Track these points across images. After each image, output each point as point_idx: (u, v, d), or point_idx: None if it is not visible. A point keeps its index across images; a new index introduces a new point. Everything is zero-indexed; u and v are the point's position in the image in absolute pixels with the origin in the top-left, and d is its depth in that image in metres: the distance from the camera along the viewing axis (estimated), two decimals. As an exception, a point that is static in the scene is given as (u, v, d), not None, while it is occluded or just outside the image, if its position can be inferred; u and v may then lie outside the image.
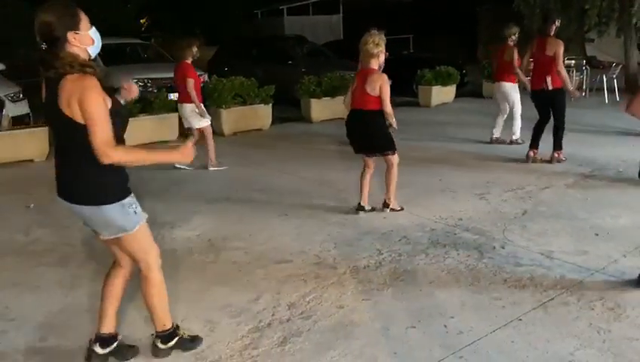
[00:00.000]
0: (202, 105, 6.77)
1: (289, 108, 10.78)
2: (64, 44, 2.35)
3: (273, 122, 9.85)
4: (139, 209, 2.62)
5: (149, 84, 10.05)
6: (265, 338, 3.10)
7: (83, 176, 2.46)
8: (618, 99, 11.58)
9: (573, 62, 12.72)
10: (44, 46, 2.35)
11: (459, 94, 12.77)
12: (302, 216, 5.11)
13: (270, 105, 9.69)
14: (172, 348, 2.92)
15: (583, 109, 10.34)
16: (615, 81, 12.33)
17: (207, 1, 22.57)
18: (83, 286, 3.73)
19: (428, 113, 11.33)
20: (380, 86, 4.70)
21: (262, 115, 9.66)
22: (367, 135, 4.92)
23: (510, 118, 7.99)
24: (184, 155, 2.60)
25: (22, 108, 8.18)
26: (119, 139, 2.49)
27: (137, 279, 2.81)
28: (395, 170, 5.01)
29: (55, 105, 2.35)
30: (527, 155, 6.89)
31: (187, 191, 5.99)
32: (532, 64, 6.88)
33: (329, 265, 4.07)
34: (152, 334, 2.96)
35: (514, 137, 7.92)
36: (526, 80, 7.36)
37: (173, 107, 8.05)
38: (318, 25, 23.18)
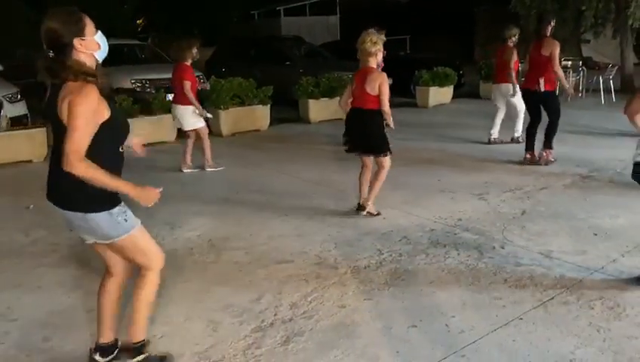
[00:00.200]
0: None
1: (287, 109, 10.80)
2: (71, 50, 2.35)
3: (271, 123, 9.87)
4: (130, 216, 2.56)
5: (147, 85, 10.05)
6: (268, 338, 3.11)
7: (72, 182, 2.37)
8: (614, 100, 11.65)
9: (569, 63, 12.81)
10: (51, 54, 2.34)
11: (456, 95, 12.83)
12: (301, 217, 5.12)
13: (268, 105, 9.71)
14: None
15: (580, 110, 10.41)
16: (611, 82, 12.40)
17: (204, 1, 22.57)
18: (84, 287, 3.73)
19: (425, 114, 11.37)
20: (380, 85, 4.72)
21: (260, 115, 9.68)
22: (365, 134, 4.93)
23: (509, 118, 8.04)
24: (145, 198, 2.48)
25: (20, 109, 8.18)
26: (116, 151, 2.49)
27: (133, 277, 2.77)
28: (384, 173, 4.97)
29: (54, 107, 2.36)
30: (525, 158, 6.91)
31: (187, 192, 6.00)
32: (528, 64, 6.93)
33: (330, 265, 4.09)
34: (117, 346, 2.88)
35: (516, 135, 7.97)
36: (516, 82, 7.46)
37: (172, 108, 8.04)
38: (315, 26, 23.24)
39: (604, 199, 5.47)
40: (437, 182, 6.20)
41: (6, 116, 7.67)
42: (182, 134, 7.00)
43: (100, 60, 2.47)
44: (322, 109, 10.40)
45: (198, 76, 7.93)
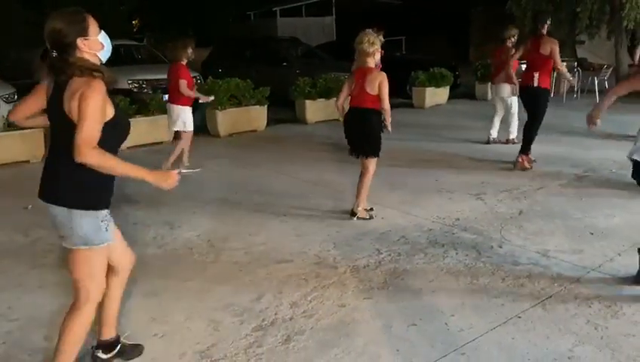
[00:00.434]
0: (192, 105, 6.78)
1: (283, 110, 10.81)
2: (74, 50, 2.36)
3: (268, 123, 9.88)
4: (111, 228, 2.52)
5: (144, 86, 10.05)
6: (269, 337, 3.13)
7: (68, 177, 2.38)
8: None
9: (565, 63, 12.85)
10: (54, 53, 2.35)
11: (452, 96, 12.88)
12: (300, 217, 5.14)
13: (265, 106, 9.72)
14: None
15: (575, 111, 10.44)
16: (606, 83, 12.49)
17: (199, 2, 22.55)
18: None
19: (422, 114, 11.41)
20: (380, 84, 4.73)
21: (257, 116, 9.68)
22: (364, 133, 4.93)
23: (507, 118, 8.08)
24: (164, 181, 2.45)
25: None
26: (114, 150, 2.47)
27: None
28: (370, 176, 4.96)
29: (58, 104, 2.36)
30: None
31: (185, 192, 5.99)
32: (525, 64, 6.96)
33: (329, 264, 4.11)
34: (119, 342, 2.89)
35: (511, 136, 8.01)
36: (516, 81, 7.47)
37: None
38: (310, 26, 23.27)
39: (599, 199, 5.52)
40: (434, 182, 6.23)
41: (3, 116, 7.65)
42: (178, 135, 7.01)
43: (104, 60, 2.48)
44: (319, 110, 10.42)
45: (194, 77, 7.95)
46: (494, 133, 8.18)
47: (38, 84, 2.56)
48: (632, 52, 13.20)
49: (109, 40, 2.48)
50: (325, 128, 9.65)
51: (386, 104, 4.78)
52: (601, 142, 8.07)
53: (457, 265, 4.05)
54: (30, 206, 5.36)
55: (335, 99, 5.19)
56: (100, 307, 2.80)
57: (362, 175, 4.99)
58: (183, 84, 6.49)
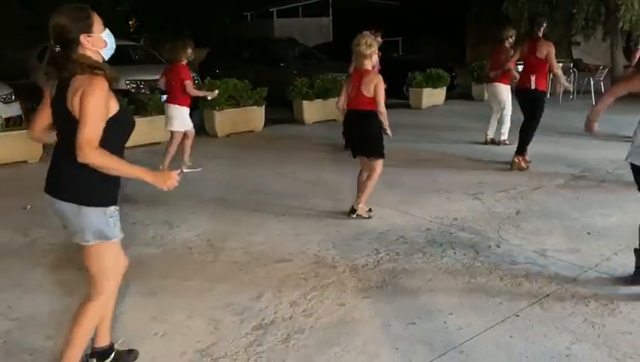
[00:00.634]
0: (190, 105, 6.79)
1: (280, 110, 10.83)
2: (77, 46, 2.36)
3: (266, 124, 9.89)
4: (118, 225, 2.55)
5: (141, 86, 10.04)
6: (269, 335, 3.15)
7: (74, 174, 2.40)
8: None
9: (560, 64, 12.90)
10: (57, 48, 2.36)
11: (448, 97, 12.92)
12: (299, 217, 5.16)
13: (263, 106, 9.74)
14: None
15: (571, 112, 10.52)
16: (602, 83, 12.55)
17: (196, 2, 22.54)
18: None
19: (419, 115, 11.44)
20: (375, 86, 4.76)
21: (255, 116, 9.70)
22: (364, 135, 4.97)
23: (500, 119, 8.12)
24: (163, 181, 2.48)
25: (14, 109, 8.15)
26: (119, 148, 2.49)
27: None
28: (376, 177, 4.99)
29: (62, 101, 2.37)
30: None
31: (184, 192, 5.96)
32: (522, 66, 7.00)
33: (328, 264, 4.13)
34: (113, 349, 2.87)
35: (502, 138, 8.05)
36: (515, 75, 7.49)
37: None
38: (307, 27, 23.26)
39: (596, 198, 5.56)
40: (432, 182, 6.26)
41: (0, 116, 7.65)
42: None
43: (107, 58, 2.48)
44: (316, 110, 10.44)
45: (192, 77, 7.94)
46: (491, 133, 8.22)
47: (42, 95, 2.55)
48: (627, 53, 13.30)
49: (112, 38, 2.49)
50: (323, 128, 9.68)
51: (382, 107, 4.80)
52: (597, 143, 8.08)
53: (455, 265, 4.07)
54: (29, 206, 5.38)
55: (337, 100, 5.22)
56: None
57: (368, 176, 5.01)
58: (189, 84, 6.49)
